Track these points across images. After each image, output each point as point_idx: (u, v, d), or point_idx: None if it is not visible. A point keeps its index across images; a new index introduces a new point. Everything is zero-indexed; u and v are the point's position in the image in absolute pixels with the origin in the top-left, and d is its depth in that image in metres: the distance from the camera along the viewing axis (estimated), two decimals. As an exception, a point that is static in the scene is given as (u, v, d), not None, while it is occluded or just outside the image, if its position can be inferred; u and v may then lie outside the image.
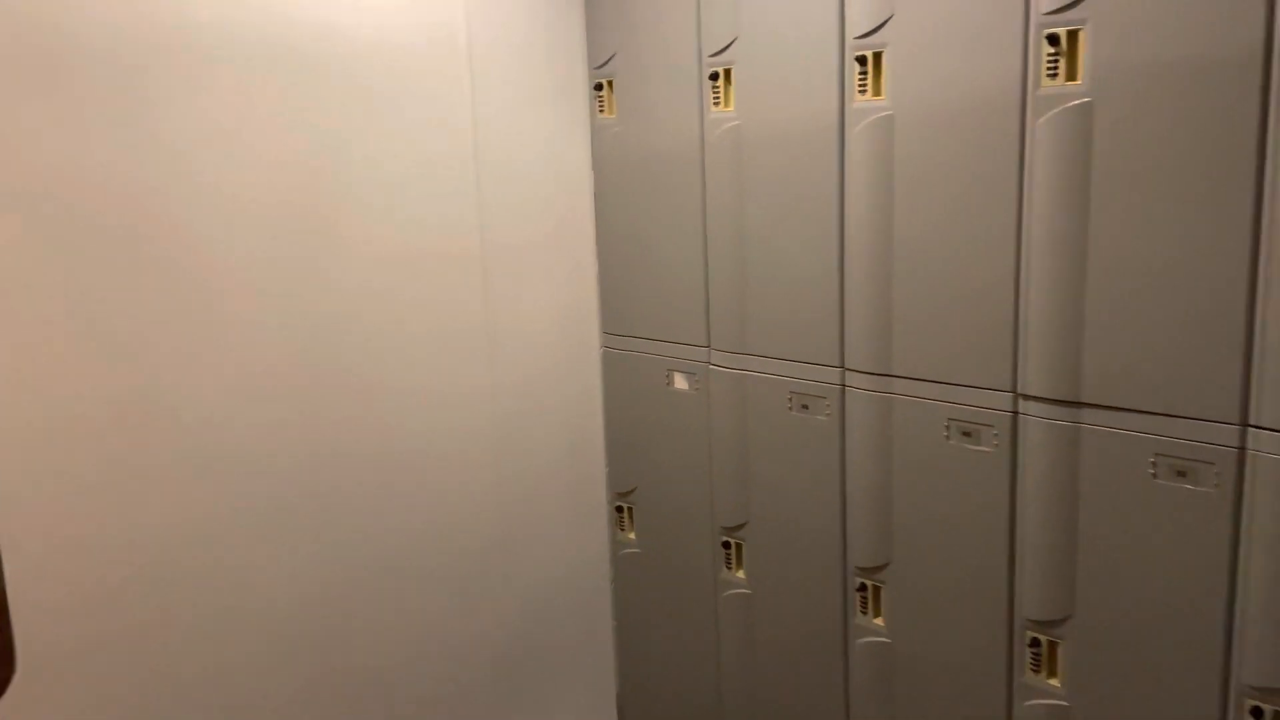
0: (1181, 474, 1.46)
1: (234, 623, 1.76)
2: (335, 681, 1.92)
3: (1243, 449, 1.40)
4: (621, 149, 2.20)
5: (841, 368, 1.86)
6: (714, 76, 1.96)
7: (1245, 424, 1.39)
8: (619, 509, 2.42)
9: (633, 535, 2.39)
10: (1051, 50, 1.49)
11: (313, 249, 1.80)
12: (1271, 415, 1.37)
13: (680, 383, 2.18)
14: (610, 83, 2.19)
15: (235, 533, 1.74)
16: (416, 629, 2.07)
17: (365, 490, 1.94)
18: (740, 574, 2.15)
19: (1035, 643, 1.66)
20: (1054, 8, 1.48)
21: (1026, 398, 1.61)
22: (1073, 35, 1.47)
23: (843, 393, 1.87)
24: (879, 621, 1.90)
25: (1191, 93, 1.37)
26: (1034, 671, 1.67)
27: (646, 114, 2.12)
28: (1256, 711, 1.43)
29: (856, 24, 1.72)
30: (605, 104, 2.21)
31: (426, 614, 2.09)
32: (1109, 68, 1.44)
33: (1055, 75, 1.49)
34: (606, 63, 2.18)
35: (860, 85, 1.73)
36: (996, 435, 1.66)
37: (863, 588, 1.91)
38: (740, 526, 2.12)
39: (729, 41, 1.92)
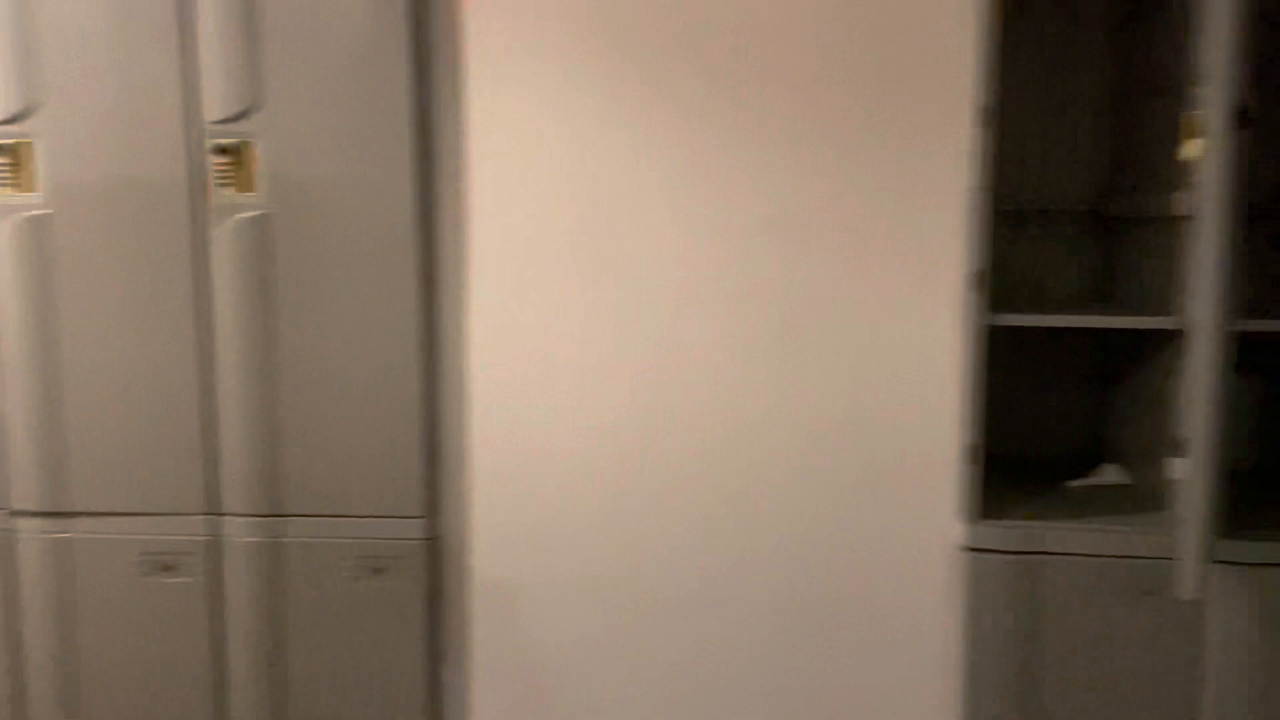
0: (168, 568, 1.52)
1: None
2: None
3: (215, 536, 1.52)
4: None
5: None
6: None
7: (215, 513, 1.52)
8: None
9: None
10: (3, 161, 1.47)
11: None
12: (235, 503, 1.51)
13: None
14: None
15: None
16: None
17: None
18: None
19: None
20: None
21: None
22: (26, 149, 1.47)
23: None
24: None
25: (140, 208, 1.48)
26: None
27: None
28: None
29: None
30: None
31: None
32: (65, 183, 1.48)
33: (7, 185, 1.48)
34: None
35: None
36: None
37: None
38: None
39: None
